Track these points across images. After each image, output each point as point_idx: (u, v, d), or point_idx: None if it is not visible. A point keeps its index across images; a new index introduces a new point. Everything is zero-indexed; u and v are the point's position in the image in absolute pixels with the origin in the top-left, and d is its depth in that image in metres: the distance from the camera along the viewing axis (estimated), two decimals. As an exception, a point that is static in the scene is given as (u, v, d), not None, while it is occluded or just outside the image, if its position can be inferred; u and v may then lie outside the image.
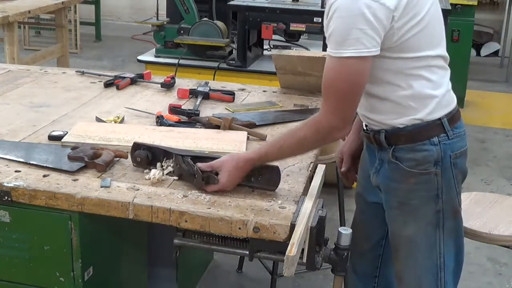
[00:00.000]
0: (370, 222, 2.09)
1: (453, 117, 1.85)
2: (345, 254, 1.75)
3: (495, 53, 8.07)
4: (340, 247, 1.74)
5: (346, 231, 1.75)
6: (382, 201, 1.95)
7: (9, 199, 1.82)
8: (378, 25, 1.67)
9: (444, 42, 1.88)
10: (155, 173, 1.89)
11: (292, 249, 1.56)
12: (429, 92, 1.81)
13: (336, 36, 1.70)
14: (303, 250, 1.64)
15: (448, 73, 1.88)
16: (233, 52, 3.94)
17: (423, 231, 1.87)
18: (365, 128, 1.97)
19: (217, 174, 1.82)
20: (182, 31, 3.96)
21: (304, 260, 1.65)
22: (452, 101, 1.87)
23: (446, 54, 1.87)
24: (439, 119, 1.82)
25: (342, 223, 3.11)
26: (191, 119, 2.40)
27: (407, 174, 1.84)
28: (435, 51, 1.82)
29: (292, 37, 4.12)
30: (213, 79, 3.62)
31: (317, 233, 1.65)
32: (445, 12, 3.08)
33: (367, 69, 1.72)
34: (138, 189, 1.83)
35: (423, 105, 1.81)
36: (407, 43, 1.74)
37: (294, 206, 1.76)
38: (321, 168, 1.94)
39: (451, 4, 5.05)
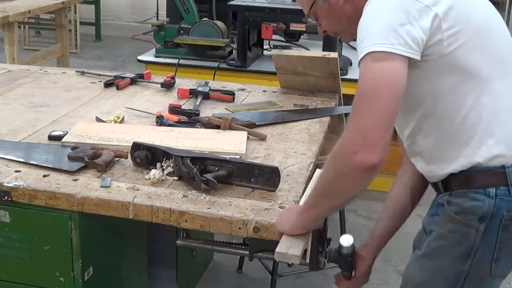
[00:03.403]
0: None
1: None
2: (350, 259, 1.73)
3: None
4: (343, 254, 1.72)
5: (348, 242, 1.68)
6: None
7: (9, 199, 1.82)
8: (414, 23, 1.42)
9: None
10: (155, 173, 1.89)
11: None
12: (491, 127, 1.52)
13: (359, 35, 1.46)
14: (306, 250, 1.63)
15: None
16: (233, 52, 3.94)
17: (436, 284, 1.63)
18: None
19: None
20: (182, 31, 3.96)
21: (307, 260, 1.64)
22: None
23: None
24: (502, 166, 1.52)
25: (342, 223, 3.11)
26: (191, 119, 2.40)
27: (447, 218, 1.58)
28: (499, 69, 1.53)
29: (292, 37, 4.12)
30: (213, 79, 3.62)
31: (319, 233, 1.64)
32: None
33: (393, 69, 1.40)
34: (138, 189, 1.83)
35: (480, 144, 1.52)
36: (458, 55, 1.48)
37: (294, 206, 1.76)
38: (319, 172, 1.89)
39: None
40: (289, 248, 1.54)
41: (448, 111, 1.53)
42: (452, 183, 1.58)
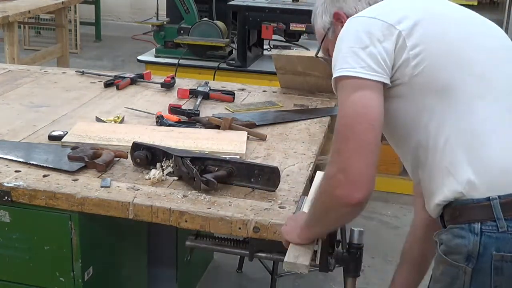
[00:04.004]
0: None
1: None
2: (359, 252, 1.72)
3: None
4: (353, 245, 1.70)
5: (358, 229, 1.67)
6: None
7: (9, 199, 1.82)
8: (377, 44, 1.39)
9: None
10: (155, 173, 1.89)
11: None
12: (472, 153, 1.38)
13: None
14: (316, 252, 1.62)
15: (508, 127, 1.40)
16: (233, 52, 3.94)
17: None
18: None
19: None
20: (182, 31, 3.96)
21: (317, 262, 1.61)
22: None
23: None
24: (488, 198, 1.35)
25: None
26: (191, 119, 2.40)
27: (439, 259, 1.46)
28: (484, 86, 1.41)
29: (292, 37, 4.12)
30: (213, 79, 3.62)
31: (329, 235, 1.62)
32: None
33: (363, 98, 1.36)
34: (138, 189, 1.83)
35: (461, 172, 1.38)
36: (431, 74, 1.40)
37: (294, 206, 1.76)
38: (320, 175, 1.87)
39: (451, 4, 5.04)
40: (297, 258, 1.54)
41: (432, 138, 1.43)
42: (445, 219, 1.46)
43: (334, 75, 1.41)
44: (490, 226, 1.35)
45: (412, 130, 1.46)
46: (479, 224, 1.36)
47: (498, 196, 1.35)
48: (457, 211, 1.40)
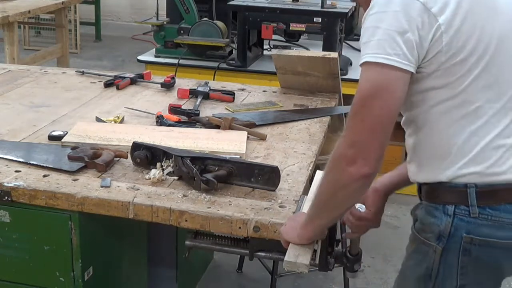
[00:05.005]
0: None
1: (493, 193, 1.41)
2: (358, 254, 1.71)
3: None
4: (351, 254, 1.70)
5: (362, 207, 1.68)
6: None
7: (9, 199, 1.82)
8: (413, 32, 1.34)
9: None
10: (155, 173, 1.89)
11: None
12: (468, 147, 1.41)
13: (362, 34, 1.39)
14: (315, 251, 1.63)
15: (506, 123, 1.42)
16: (233, 52, 3.94)
17: None
18: None
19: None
20: (182, 31, 3.96)
21: (317, 261, 1.62)
22: (504, 172, 1.41)
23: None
24: (465, 185, 1.42)
25: (342, 222, 3.11)
26: (191, 119, 2.40)
27: (412, 237, 1.54)
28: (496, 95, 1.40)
29: (292, 37, 4.13)
30: (213, 79, 3.61)
31: (329, 233, 1.63)
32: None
33: (387, 81, 1.34)
34: (138, 189, 1.83)
35: (452, 163, 1.43)
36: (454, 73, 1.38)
37: (294, 206, 1.76)
38: (319, 174, 1.88)
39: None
40: (298, 257, 1.54)
41: (430, 123, 1.45)
42: (422, 193, 1.52)
43: (365, 59, 1.36)
44: (463, 210, 1.42)
45: (412, 107, 1.47)
46: (453, 206, 1.43)
47: (475, 185, 1.41)
48: (435, 192, 1.47)
